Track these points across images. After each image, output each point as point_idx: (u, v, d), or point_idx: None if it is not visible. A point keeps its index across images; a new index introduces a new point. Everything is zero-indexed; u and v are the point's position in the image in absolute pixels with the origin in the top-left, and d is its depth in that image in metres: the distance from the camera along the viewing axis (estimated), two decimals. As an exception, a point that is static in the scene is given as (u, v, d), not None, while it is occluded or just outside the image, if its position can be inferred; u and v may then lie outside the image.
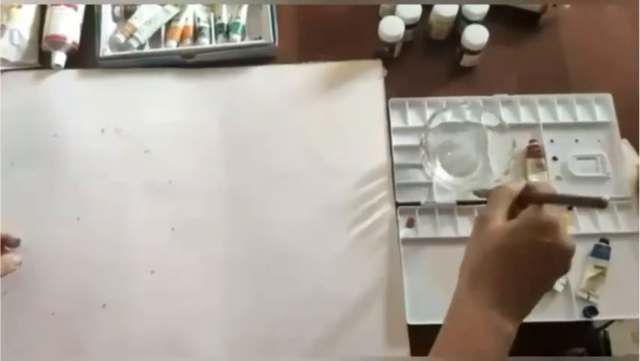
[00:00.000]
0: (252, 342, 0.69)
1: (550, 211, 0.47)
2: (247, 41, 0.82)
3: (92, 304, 0.70)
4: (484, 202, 0.72)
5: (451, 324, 0.52)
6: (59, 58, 0.79)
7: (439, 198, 0.74)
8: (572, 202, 0.49)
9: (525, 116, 0.78)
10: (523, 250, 0.47)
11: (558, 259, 0.48)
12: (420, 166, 0.75)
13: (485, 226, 0.50)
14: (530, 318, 0.67)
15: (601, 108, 0.79)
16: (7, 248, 0.70)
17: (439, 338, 0.51)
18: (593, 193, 0.72)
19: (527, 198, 0.51)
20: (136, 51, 0.80)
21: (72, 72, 0.81)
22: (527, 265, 0.48)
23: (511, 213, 0.51)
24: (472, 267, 0.50)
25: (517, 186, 0.51)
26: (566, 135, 0.78)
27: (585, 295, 0.69)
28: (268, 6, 0.82)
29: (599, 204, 0.47)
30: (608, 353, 0.69)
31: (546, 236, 0.47)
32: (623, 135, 0.77)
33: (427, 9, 0.80)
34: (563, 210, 0.49)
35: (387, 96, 0.80)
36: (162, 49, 0.81)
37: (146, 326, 0.70)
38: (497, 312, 0.48)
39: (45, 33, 0.80)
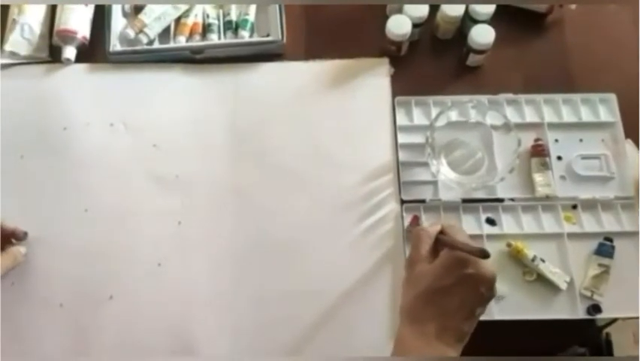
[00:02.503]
0: (257, 336, 0.70)
1: (469, 244, 0.54)
2: (255, 38, 0.83)
3: (99, 295, 0.71)
4: (490, 200, 0.74)
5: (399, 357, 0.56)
6: (69, 52, 0.80)
7: (444, 196, 0.75)
8: (461, 249, 0.54)
9: (530, 116, 0.79)
10: (450, 286, 0.53)
11: (483, 287, 0.53)
12: (425, 164, 0.76)
13: (414, 269, 0.56)
14: (534, 316, 0.69)
15: (605, 108, 0.79)
16: (13, 241, 0.71)
17: None
18: (597, 192, 0.74)
19: (437, 240, 0.58)
20: (145, 46, 0.81)
21: (82, 66, 0.82)
22: (456, 298, 0.53)
23: (433, 251, 0.58)
24: (409, 307, 0.55)
25: (434, 229, 0.59)
26: (571, 135, 0.78)
27: (589, 293, 0.70)
28: (276, 4, 0.82)
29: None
30: (610, 354, 0.69)
31: (467, 268, 0.53)
32: (627, 135, 0.78)
33: (434, 8, 0.81)
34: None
35: (394, 94, 0.80)
36: (171, 44, 0.82)
37: (152, 317, 0.70)
38: (440, 342, 0.52)
39: (56, 27, 0.80)
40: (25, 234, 0.71)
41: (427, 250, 0.57)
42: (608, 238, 0.72)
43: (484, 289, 0.53)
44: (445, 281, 0.53)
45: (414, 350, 0.52)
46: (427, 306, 0.54)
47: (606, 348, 0.70)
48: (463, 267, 0.53)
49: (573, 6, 0.83)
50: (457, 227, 0.60)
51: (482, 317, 0.67)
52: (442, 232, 0.59)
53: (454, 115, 0.76)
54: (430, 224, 0.61)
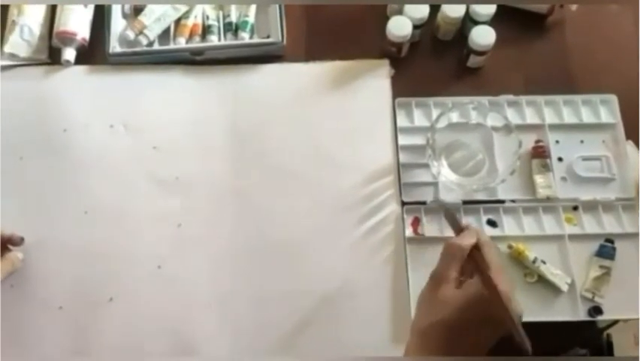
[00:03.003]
0: (257, 337, 0.70)
1: (504, 283, 0.50)
2: (255, 39, 0.82)
3: (99, 297, 0.70)
4: (490, 202, 0.74)
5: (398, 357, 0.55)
6: (69, 54, 0.80)
7: (444, 198, 0.75)
8: (489, 282, 0.51)
9: (531, 117, 0.79)
10: (470, 323, 0.50)
11: (504, 330, 0.50)
12: (426, 165, 0.76)
13: (437, 289, 0.53)
14: (535, 318, 0.68)
15: (606, 109, 0.79)
16: (10, 247, 0.71)
17: None
18: (598, 194, 0.74)
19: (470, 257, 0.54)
20: (145, 48, 0.81)
21: (82, 68, 0.81)
22: (473, 336, 0.51)
23: (464, 268, 0.54)
24: (421, 330, 0.53)
25: (468, 244, 0.54)
26: (572, 136, 0.78)
27: (590, 295, 0.70)
28: (277, 5, 0.82)
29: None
30: (611, 355, 0.69)
31: (494, 310, 0.49)
32: (627, 136, 0.78)
33: (434, 9, 0.81)
34: (503, 272, 0.52)
35: (394, 96, 0.80)
36: (171, 46, 0.81)
37: (152, 319, 0.70)
38: None
39: (55, 29, 0.80)
40: (22, 239, 0.71)
41: (457, 270, 0.53)
42: (609, 239, 0.72)
43: (503, 332, 0.50)
44: (466, 315, 0.50)
45: None
46: (440, 338, 0.51)
47: (607, 349, 0.70)
48: (489, 307, 0.49)
49: (574, 7, 0.83)
50: (492, 244, 0.56)
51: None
52: (476, 247, 0.55)
53: (454, 116, 0.76)
54: (466, 231, 0.56)
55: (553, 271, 0.70)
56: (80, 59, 0.81)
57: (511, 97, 0.79)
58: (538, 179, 0.75)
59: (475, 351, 0.50)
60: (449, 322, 0.50)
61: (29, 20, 0.80)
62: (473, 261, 0.54)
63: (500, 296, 0.49)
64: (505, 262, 0.72)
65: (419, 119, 0.79)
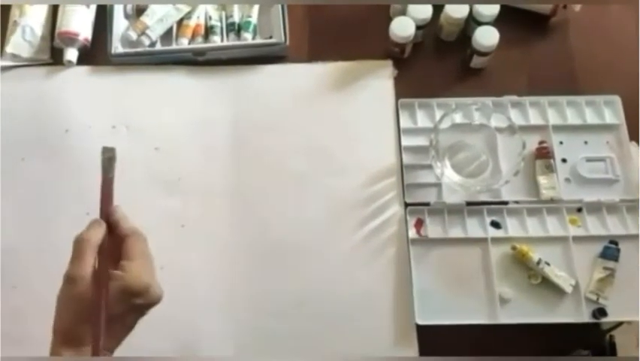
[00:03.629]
0: (259, 338, 0.69)
1: (140, 273, 0.49)
2: (258, 40, 0.82)
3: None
4: (494, 203, 0.74)
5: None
6: (71, 54, 0.79)
7: (448, 199, 0.74)
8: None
9: (534, 118, 0.79)
10: (119, 313, 0.49)
11: (147, 310, 0.51)
12: (429, 167, 0.75)
13: (73, 289, 0.48)
14: (540, 320, 0.68)
15: (610, 110, 0.79)
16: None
17: None
18: (602, 195, 0.74)
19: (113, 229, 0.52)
20: (147, 48, 0.81)
21: (84, 69, 0.81)
22: (123, 322, 0.50)
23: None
24: (65, 327, 0.49)
25: (97, 235, 0.51)
26: (575, 137, 0.78)
27: (594, 297, 0.69)
28: (279, 5, 0.82)
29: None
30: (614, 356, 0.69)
31: (139, 298, 0.49)
32: (631, 138, 0.77)
33: (437, 10, 0.80)
34: (146, 259, 0.51)
35: (397, 97, 0.80)
36: (174, 46, 0.81)
37: (154, 320, 0.69)
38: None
39: (57, 29, 0.80)
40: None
41: (90, 263, 0.49)
42: (614, 241, 0.72)
43: (146, 311, 0.51)
44: (113, 311, 0.48)
45: None
46: (87, 334, 0.48)
47: (610, 351, 0.69)
48: (133, 297, 0.49)
49: (577, 8, 0.82)
50: (138, 234, 0.53)
51: (487, 321, 0.68)
52: (122, 236, 0.52)
53: (458, 117, 0.76)
54: (91, 223, 0.53)
55: (557, 273, 0.70)
56: (82, 60, 0.81)
57: (514, 98, 0.79)
58: (542, 180, 0.75)
59: (126, 332, 0.50)
60: (85, 324, 0.48)
61: (31, 21, 0.80)
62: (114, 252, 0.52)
63: (141, 287, 0.49)
64: (509, 264, 0.72)
65: (422, 120, 0.79)
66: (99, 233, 0.51)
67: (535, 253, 0.70)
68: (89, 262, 0.49)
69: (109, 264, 0.51)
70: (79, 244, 0.50)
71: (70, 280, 0.49)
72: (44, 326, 0.68)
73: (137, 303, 0.49)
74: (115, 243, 0.52)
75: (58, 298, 0.50)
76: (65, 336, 0.49)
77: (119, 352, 0.67)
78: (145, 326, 0.68)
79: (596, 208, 0.74)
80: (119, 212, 0.54)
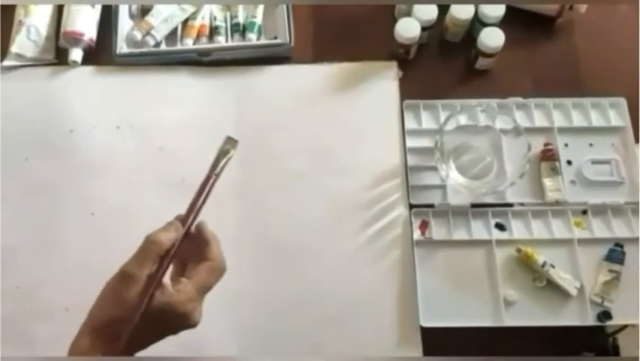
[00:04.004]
0: (262, 338, 0.70)
1: (188, 299, 0.48)
2: (263, 41, 0.82)
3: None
4: (499, 205, 0.73)
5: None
6: (76, 54, 0.79)
7: (452, 201, 0.74)
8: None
9: (539, 120, 0.78)
10: (153, 326, 0.47)
11: (181, 330, 0.49)
12: (434, 168, 0.75)
13: (127, 286, 0.46)
14: (544, 322, 0.68)
15: (615, 113, 0.79)
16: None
17: None
18: (607, 198, 0.74)
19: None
20: (152, 49, 0.80)
21: (88, 69, 0.81)
22: (153, 334, 0.49)
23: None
24: (98, 317, 0.48)
25: (169, 239, 0.49)
26: (581, 139, 0.78)
27: (599, 300, 0.69)
28: (284, 6, 0.82)
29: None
30: (617, 358, 0.69)
31: (178, 325, 0.48)
32: (637, 140, 0.77)
33: (442, 11, 0.80)
34: (204, 290, 0.50)
35: (402, 98, 0.80)
36: (178, 47, 0.81)
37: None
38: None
39: (62, 29, 0.80)
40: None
41: (150, 267, 0.47)
42: (619, 243, 0.72)
43: (180, 331, 0.50)
44: (148, 323, 0.46)
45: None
46: (112, 336, 0.47)
47: (613, 353, 0.69)
48: (168, 318, 0.47)
49: (583, 9, 0.82)
50: (216, 241, 0.52)
51: (492, 324, 0.68)
52: (203, 241, 0.51)
53: (462, 119, 0.75)
54: (168, 224, 0.51)
55: (562, 276, 0.70)
56: (87, 60, 0.81)
57: (519, 99, 0.79)
58: (547, 182, 0.74)
59: (149, 343, 0.49)
60: (125, 323, 0.46)
61: (36, 21, 0.80)
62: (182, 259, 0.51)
63: (186, 313, 0.47)
64: (514, 266, 0.71)
65: (427, 121, 0.79)
66: (171, 237, 0.49)
67: (540, 256, 0.70)
68: (149, 264, 0.47)
69: (177, 266, 0.51)
70: (146, 243, 0.48)
71: (124, 275, 0.47)
72: (47, 326, 0.69)
73: (171, 323, 0.48)
74: (194, 244, 0.50)
75: (105, 286, 0.48)
76: (97, 328, 0.47)
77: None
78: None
79: (601, 211, 0.74)
80: (206, 229, 0.52)
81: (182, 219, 0.51)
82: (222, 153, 0.54)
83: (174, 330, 0.49)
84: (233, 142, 0.53)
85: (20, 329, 0.69)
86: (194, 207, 0.51)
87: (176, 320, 0.48)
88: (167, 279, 0.49)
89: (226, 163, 0.54)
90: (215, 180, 0.53)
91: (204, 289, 0.50)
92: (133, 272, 0.46)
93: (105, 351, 0.46)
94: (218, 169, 0.53)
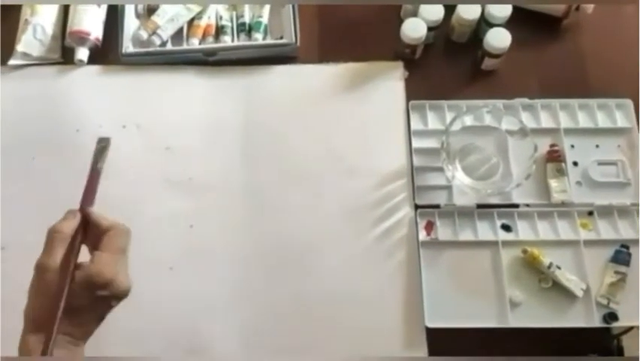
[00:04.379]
0: (267, 338, 0.69)
1: (105, 265, 0.50)
2: (269, 40, 0.82)
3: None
4: (505, 206, 0.73)
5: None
6: (82, 53, 0.79)
7: (458, 201, 0.74)
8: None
9: (546, 121, 0.78)
10: (84, 303, 0.49)
11: (116, 302, 0.51)
12: (439, 169, 0.75)
13: (44, 277, 0.49)
14: (550, 324, 0.68)
15: (621, 114, 0.79)
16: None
17: None
18: (613, 199, 0.74)
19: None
20: (158, 48, 0.81)
21: (95, 68, 0.81)
22: (89, 312, 0.50)
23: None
24: (33, 315, 0.50)
25: (69, 227, 0.52)
26: (587, 140, 0.77)
27: (605, 301, 0.69)
28: (290, 6, 0.82)
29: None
30: (621, 359, 0.69)
31: (102, 290, 0.49)
32: (643, 141, 0.77)
33: (449, 11, 0.80)
34: (118, 253, 0.51)
35: (408, 98, 0.80)
36: (184, 46, 0.81)
37: (164, 320, 0.70)
38: (69, 344, 0.49)
39: (68, 29, 0.80)
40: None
41: (61, 253, 0.50)
42: (625, 245, 0.72)
43: (116, 303, 0.51)
44: (79, 301, 0.49)
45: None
46: (60, 323, 0.49)
47: (617, 354, 0.69)
48: (97, 288, 0.49)
49: (589, 10, 0.82)
50: (119, 229, 0.53)
51: (497, 325, 0.68)
52: (103, 229, 0.53)
53: (469, 120, 0.75)
54: (62, 221, 0.53)
55: (568, 277, 0.70)
56: (93, 59, 0.81)
57: (525, 100, 0.79)
58: (553, 183, 0.74)
59: (95, 323, 0.51)
60: (54, 309, 0.48)
61: (42, 20, 0.80)
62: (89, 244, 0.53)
63: (104, 278, 0.49)
64: (519, 267, 0.71)
65: (433, 122, 0.79)
66: (72, 224, 0.52)
67: (545, 257, 0.70)
68: (59, 252, 0.50)
69: (87, 254, 0.52)
70: (50, 234, 0.51)
71: (39, 269, 0.50)
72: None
73: (100, 294, 0.49)
74: (96, 236, 0.52)
75: (29, 287, 0.51)
76: (33, 323, 0.49)
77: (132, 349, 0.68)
78: (152, 325, 0.69)
79: (607, 212, 0.74)
80: (95, 213, 0.55)
81: (79, 209, 0.55)
82: (99, 150, 0.59)
83: (107, 302, 0.51)
84: (105, 140, 0.59)
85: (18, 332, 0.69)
86: (88, 199, 0.56)
87: (102, 288, 0.49)
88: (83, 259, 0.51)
89: (106, 155, 0.59)
90: (99, 173, 0.58)
91: (118, 251, 0.51)
92: (45, 262, 0.49)
93: (47, 341, 0.48)
94: (100, 163, 0.58)
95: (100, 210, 0.72)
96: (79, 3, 0.81)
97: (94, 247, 0.52)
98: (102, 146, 0.58)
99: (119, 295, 0.51)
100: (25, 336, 0.50)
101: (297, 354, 0.69)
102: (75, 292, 0.49)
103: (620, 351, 0.70)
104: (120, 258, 0.52)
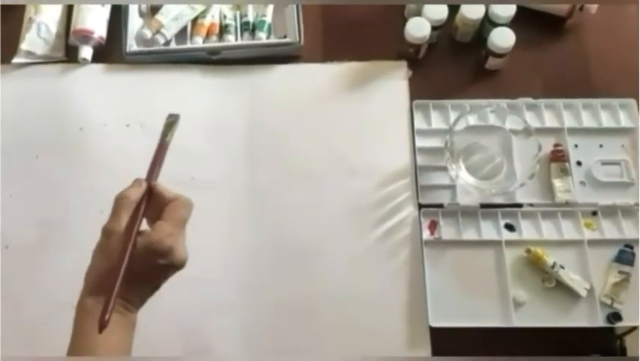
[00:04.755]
0: (271, 338, 0.69)
1: (166, 234, 0.51)
2: (272, 40, 0.82)
3: (115, 296, 0.70)
4: (509, 206, 0.73)
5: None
6: (86, 52, 0.79)
7: (462, 201, 0.74)
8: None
9: (549, 121, 0.78)
10: (143, 270, 0.51)
11: (173, 272, 0.53)
12: (443, 168, 0.75)
13: (109, 241, 0.51)
14: (554, 323, 0.68)
15: (625, 114, 0.79)
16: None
17: (76, 339, 0.52)
18: (617, 199, 0.73)
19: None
20: (162, 47, 0.81)
21: (98, 67, 0.81)
22: (147, 279, 0.52)
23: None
24: (94, 277, 0.52)
25: (136, 193, 0.53)
26: (591, 140, 0.77)
27: (609, 301, 0.69)
28: (294, 5, 0.82)
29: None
30: (623, 359, 0.69)
31: (162, 259, 0.50)
32: (647, 141, 0.77)
33: (453, 11, 0.80)
34: (179, 224, 0.52)
35: (411, 98, 0.80)
36: (188, 45, 0.81)
37: (167, 319, 0.70)
38: (124, 309, 0.51)
39: (72, 27, 0.80)
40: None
41: (126, 218, 0.52)
42: (629, 245, 0.72)
43: (172, 273, 0.53)
44: (138, 265, 0.50)
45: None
46: (111, 287, 0.50)
47: (620, 354, 0.69)
48: (157, 256, 0.50)
49: (593, 10, 0.82)
50: (183, 201, 0.55)
51: (501, 324, 0.68)
52: (166, 200, 0.54)
53: (472, 119, 0.75)
54: (130, 188, 0.55)
55: (572, 277, 0.69)
56: (97, 58, 0.81)
57: (529, 100, 0.79)
58: (557, 183, 0.74)
59: (151, 290, 0.53)
60: (115, 273, 0.49)
61: (46, 18, 0.80)
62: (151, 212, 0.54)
63: (165, 247, 0.50)
64: (523, 267, 0.71)
65: (436, 121, 0.79)
66: (138, 192, 0.53)
67: (549, 257, 0.70)
68: (125, 218, 0.51)
69: (148, 224, 0.53)
70: (117, 200, 0.53)
71: (105, 233, 0.51)
72: (57, 324, 0.69)
73: (159, 263, 0.50)
74: (159, 207, 0.53)
75: (94, 249, 0.53)
76: (92, 285, 0.51)
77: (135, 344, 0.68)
78: (155, 323, 0.69)
79: (611, 212, 0.74)
80: (160, 184, 0.56)
81: (145, 179, 0.56)
82: (168, 125, 0.61)
83: (164, 271, 0.52)
84: (175, 116, 0.62)
85: (27, 325, 0.69)
86: (154, 170, 0.57)
87: (162, 257, 0.50)
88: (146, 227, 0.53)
89: (174, 129, 0.61)
90: (167, 146, 0.60)
91: (179, 223, 0.52)
92: (111, 227, 0.51)
93: (107, 303, 0.48)
94: (168, 137, 0.61)
95: (103, 207, 0.73)
96: (81, 3, 0.81)
97: (156, 218, 0.53)
98: (171, 121, 0.61)
99: (177, 265, 0.52)
100: (83, 299, 0.51)
101: (300, 354, 0.69)
102: (136, 258, 0.50)
103: (623, 351, 0.70)
104: (180, 229, 0.53)
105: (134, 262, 0.50)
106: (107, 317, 0.47)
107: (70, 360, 0.52)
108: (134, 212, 0.52)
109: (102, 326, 0.47)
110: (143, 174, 0.75)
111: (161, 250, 0.50)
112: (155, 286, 0.53)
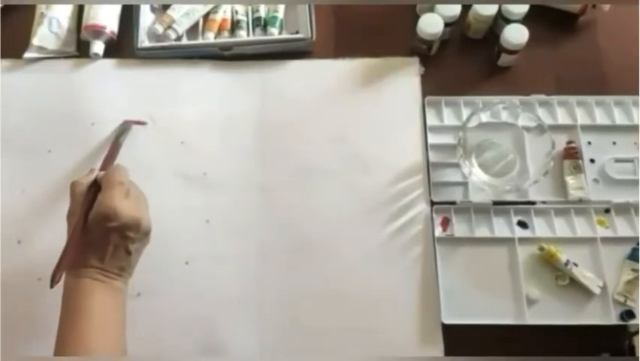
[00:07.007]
0: (283, 336, 0.69)
1: (106, 199, 0.58)
2: (284, 35, 0.82)
3: (128, 292, 0.70)
4: (521, 203, 0.73)
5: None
6: (98, 47, 0.79)
7: (474, 198, 0.74)
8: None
9: (562, 118, 0.78)
10: (99, 237, 0.58)
11: (130, 231, 0.59)
12: (455, 165, 0.75)
13: (69, 222, 0.60)
14: (567, 321, 0.68)
15: (638, 111, 0.78)
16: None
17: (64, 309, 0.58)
18: (630, 196, 0.73)
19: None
20: (174, 42, 0.80)
21: (110, 62, 0.81)
22: (107, 244, 0.58)
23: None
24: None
25: (85, 179, 0.62)
26: (604, 137, 0.77)
27: (622, 299, 0.69)
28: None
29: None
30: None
31: (111, 222, 0.57)
32: (660, 139, 0.77)
33: (465, 7, 0.80)
34: (114, 186, 0.60)
35: (424, 94, 0.79)
36: (200, 41, 0.81)
37: (179, 315, 0.70)
38: (107, 279, 0.59)
39: (84, 22, 0.80)
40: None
41: (80, 202, 0.60)
42: (642, 243, 0.72)
43: (131, 233, 0.59)
44: (95, 236, 0.58)
45: (80, 291, 0.57)
46: (85, 257, 0.58)
47: (629, 353, 0.69)
48: (107, 221, 0.57)
49: (606, 7, 0.81)
50: (118, 168, 0.63)
51: (514, 322, 0.68)
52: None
53: (485, 116, 0.75)
54: (84, 176, 0.63)
55: (585, 274, 0.69)
56: (109, 53, 0.81)
57: (542, 97, 0.79)
58: (570, 180, 0.74)
59: (120, 253, 0.59)
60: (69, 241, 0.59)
61: (58, 13, 0.80)
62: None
63: (109, 211, 0.57)
64: (536, 264, 0.71)
65: (449, 118, 0.78)
66: (88, 178, 0.62)
67: (562, 254, 0.70)
68: (79, 200, 0.60)
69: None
70: (71, 187, 0.61)
71: (67, 216, 0.61)
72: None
73: (111, 226, 0.57)
74: None
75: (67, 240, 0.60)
76: (68, 264, 0.58)
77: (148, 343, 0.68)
78: (169, 320, 0.69)
79: (624, 209, 0.73)
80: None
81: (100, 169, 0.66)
82: (121, 130, 0.76)
83: (121, 231, 0.58)
84: (128, 124, 0.75)
85: (37, 322, 0.69)
86: (107, 165, 0.69)
87: (110, 220, 0.57)
88: None
89: (127, 134, 0.75)
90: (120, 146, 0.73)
91: (115, 185, 0.60)
92: (69, 210, 0.61)
93: (56, 270, 0.57)
94: (122, 138, 0.74)
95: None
96: (90, 3, 0.80)
97: None
98: (125, 128, 0.73)
99: (129, 225, 0.58)
100: (65, 278, 0.59)
101: (313, 352, 0.69)
102: (90, 229, 0.58)
103: (631, 350, 0.69)
104: (119, 191, 0.59)
105: (89, 234, 0.58)
106: (58, 276, 0.56)
107: (71, 360, 0.55)
108: (85, 195, 0.60)
109: (53, 281, 0.56)
110: (153, 167, 0.76)
111: (105, 213, 0.57)
112: (124, 250, 0.59)
